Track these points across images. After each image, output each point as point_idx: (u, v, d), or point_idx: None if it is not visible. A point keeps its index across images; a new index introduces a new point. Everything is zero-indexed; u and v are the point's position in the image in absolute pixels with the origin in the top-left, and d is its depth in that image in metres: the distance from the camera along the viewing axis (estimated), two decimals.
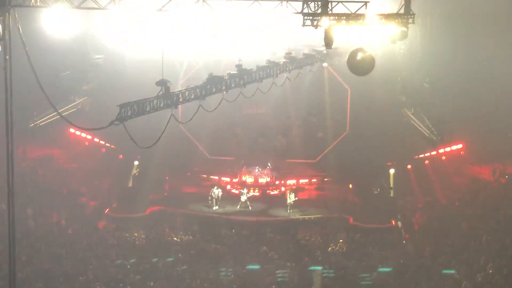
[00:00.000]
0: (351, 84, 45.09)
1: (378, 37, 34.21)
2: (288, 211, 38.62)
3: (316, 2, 18.37)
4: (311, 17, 18.47)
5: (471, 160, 40.72)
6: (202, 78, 23.59)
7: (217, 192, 39.47)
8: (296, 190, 40.45)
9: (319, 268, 27.29)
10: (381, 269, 25.70)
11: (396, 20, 19.06)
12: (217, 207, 39.17)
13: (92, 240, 31.77)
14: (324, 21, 18.37)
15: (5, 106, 10.11)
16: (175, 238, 32.95)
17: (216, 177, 43.23)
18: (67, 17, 31.98)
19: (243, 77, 25.12)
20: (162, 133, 19.52)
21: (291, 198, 38.72)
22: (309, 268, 27.50)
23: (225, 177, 43.24)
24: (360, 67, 17.65)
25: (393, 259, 29.60)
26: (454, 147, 39.86)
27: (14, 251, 10.05)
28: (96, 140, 43.68)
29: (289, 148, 47.93)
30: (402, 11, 18.67)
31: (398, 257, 30.04)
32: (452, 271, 26.09)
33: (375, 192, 41.28)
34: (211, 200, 39.23)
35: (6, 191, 10.07)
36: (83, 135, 43.13)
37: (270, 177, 43.10)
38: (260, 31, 39.47)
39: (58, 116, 24.33)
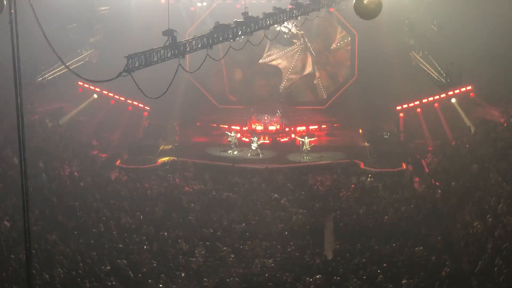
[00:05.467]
0: (359, 29, 44.86)
1: None
2: (305, 157, 38.77)
3: None
4: None
5: (480, 102, 40.56)
6: (209, 27, 23.43)
7: (232, 138, 39.92)
8: (309, 136, 40.37)
9: None
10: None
11: None
12: (236, 152, 39.61)
13: (104, 192, 32.00)
14: None
15: (12, 61, 10.05)
16: (186, 188, 33.12)
17: (226, 126, 43.31)
18: None
19: (249, 24, 24.92)
20: (171, 83, 19.43)
21: (306, 144, 38.76)
22: None
23: (235, 125, 43.29)
24: (367, 10, 17.40)
25: (404, 203, 29.70)
26: (463, 89, 39.64)
27: (27, 205, 10.09)
28: (105, 92, 43.67)
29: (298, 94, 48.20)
30: None
31: (409, 200, 30.15)
32: None
33: (385, 136, 41.27)
34: (232, 146, 39.96)
35: (17, 145, 10.07)
36: (92, 87, 43.18)
37: (279, 124, 43.21)
38: None
39: (66, 70, 24.31)
